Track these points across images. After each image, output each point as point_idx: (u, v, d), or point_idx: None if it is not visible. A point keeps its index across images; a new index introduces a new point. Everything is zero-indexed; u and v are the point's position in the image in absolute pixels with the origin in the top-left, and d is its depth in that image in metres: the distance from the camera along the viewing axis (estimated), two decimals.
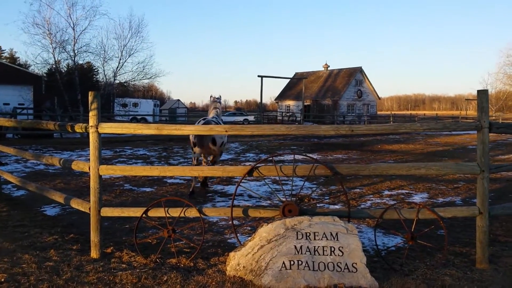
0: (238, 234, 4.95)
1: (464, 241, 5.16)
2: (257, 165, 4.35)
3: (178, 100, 69.16)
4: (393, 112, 75.82)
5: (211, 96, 9.41)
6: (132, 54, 28.49)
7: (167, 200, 4.66)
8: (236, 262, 3.92)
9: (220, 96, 9.41)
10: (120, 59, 27.97)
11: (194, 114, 61.81)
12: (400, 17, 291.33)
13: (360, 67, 52.99)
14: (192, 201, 6.86)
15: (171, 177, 9.51)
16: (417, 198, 7.78)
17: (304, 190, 8.22)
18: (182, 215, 4.47)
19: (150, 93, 72.53)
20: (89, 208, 4.57)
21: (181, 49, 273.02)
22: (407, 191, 8.37)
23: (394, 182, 9.30)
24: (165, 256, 4.52)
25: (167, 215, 4.46)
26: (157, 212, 4.53)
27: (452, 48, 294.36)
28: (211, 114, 9.17)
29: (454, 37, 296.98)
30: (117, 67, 27.94)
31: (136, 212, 4.58)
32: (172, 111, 50.14)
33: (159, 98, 76.30)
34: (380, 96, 57.70)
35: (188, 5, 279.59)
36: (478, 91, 4.22)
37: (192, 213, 4.47)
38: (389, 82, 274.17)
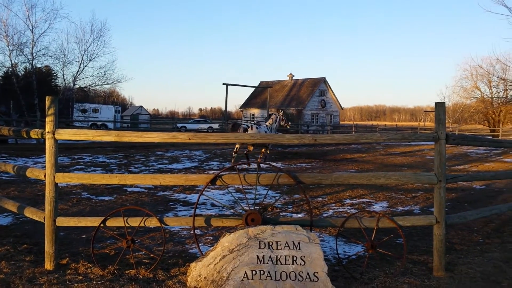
0: (200, 244, 4.88)
1: (422, 250, 5.29)
2: (221, 174, 4.31)
3: (141, 106, 67.88)
4: (355, 122, 77.51)
5: (270, 110, 15.66)
6: (93, 58, 27.99)
7: (127, 209, 4.53)
8: (197, 272, 3.84)
9: (277, 112, 14.73)
10: (80, 64, 27.33)
11: (157, 121, 60.83)
12: (362, 30, 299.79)
13: (324, 78, 53.96)
14: (152, 210, 6.72)
15: (131, 186, 9.29)
16: (378, 207, 7.93)
17: (267, 199, 8.22)
18: (142, 224, 4.35)
19: (111, 98, 70.99)
20: (44, 218, 4.38)
21: (145, 55, 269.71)
22: (368, 200, 8.53)
23: (355, 191, 9.46)
24: (123, 267, 4.38)
25: (126, 224, 4.34)
26: (116, 222, 4.39)
27: (412, 61, 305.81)
28: (269, 122, 15.01)
29: (413, 50, 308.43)
30: (77, 71, 27.34)
31: (93, 221, 4.43)
32: (134, 118, 49.23)
33: (121, 104, 74.68)
34: (343, 107, 58.91)
35: (153, 11, 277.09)
36: (436, 104, 4.36)
37: (153, 222, 4.37)
38: (351, 93, 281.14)
